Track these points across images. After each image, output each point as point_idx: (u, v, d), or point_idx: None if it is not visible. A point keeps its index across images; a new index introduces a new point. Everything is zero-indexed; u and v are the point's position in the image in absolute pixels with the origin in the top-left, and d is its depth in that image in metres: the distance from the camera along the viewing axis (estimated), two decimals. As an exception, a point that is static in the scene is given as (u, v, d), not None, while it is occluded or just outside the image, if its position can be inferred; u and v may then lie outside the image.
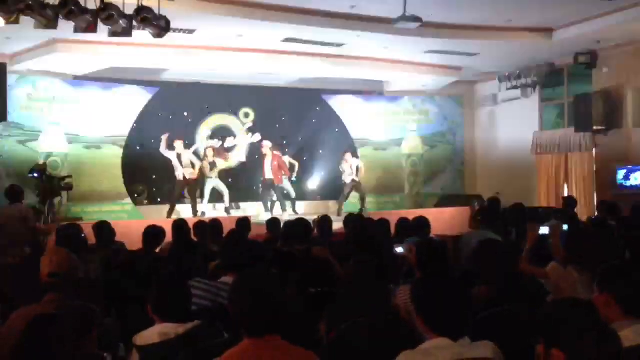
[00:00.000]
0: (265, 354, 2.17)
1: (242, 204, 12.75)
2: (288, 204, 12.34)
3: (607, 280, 2.54)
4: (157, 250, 5.79)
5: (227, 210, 11.89)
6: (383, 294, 3.35)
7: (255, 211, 12.18)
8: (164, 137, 11.67)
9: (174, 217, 10.54)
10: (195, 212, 11.49)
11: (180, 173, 11.63)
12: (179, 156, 11.65)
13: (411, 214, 7.56)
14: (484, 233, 5.66)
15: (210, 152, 12.26)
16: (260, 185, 12.58)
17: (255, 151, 13.26)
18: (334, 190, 13.44)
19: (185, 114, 13.01)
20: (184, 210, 11.87)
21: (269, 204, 12.29)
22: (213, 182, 12.02)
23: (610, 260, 3.00)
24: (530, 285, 3.74)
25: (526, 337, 2.35)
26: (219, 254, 4.41)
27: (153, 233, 5.49)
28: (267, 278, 2.30)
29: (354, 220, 7.15)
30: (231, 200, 12.33)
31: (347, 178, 12.64)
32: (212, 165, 12.08)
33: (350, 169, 12.62)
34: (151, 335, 2.82)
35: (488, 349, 2.34)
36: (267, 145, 12.38)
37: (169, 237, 5.99)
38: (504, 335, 2.56)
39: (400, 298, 3.52)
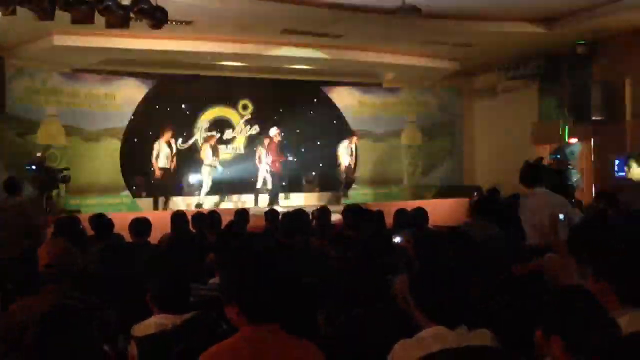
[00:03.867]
0: (264, 342, 2.16)
1: (236, 197, 12.76)
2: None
3: (603, 268, 2.55)
4: (154, 241, 5.80)
5: (198, 205, 11.88)
6: (381, 284, 3.36)
7: (250, 203, 12.22)
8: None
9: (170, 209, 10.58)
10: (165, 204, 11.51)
11: (159, 164, 11.57)
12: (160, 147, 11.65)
13: (410, 205, 7.57)
14: (482, 225, 5.67)
15: (212, 140, 12.27)
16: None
17: (253, 143, 13.29)
18: (332, 181, 13.46)
19: (183, 106, 13.00)
20: (178, 202, 11.94)
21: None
22: (206, 171, 12.03)
23: (608, 250, 3.00)
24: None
25: (524, 325, 2.35)
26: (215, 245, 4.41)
27: (140, 224, 5.48)
28: (270, 265, 2.30)
29: (354, 211, 7.16)
30: (228, 192, 12.38)
31: (345, 161, 12.76)
32: (214, 151, 12.10)
33: (350, 149, 12.77)
34: (148, 326, 2.83)
35: (485, 337, 2.34)
36: (271, 132, 12.46)
37: (158, 228, 5.97)
38: (501, 323, 2.57)
39: (398, 288, 3.52)
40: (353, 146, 13.11)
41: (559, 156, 6.67)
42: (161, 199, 11.79)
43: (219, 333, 2.57)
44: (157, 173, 11.62)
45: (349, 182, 12.97)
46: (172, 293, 2.93)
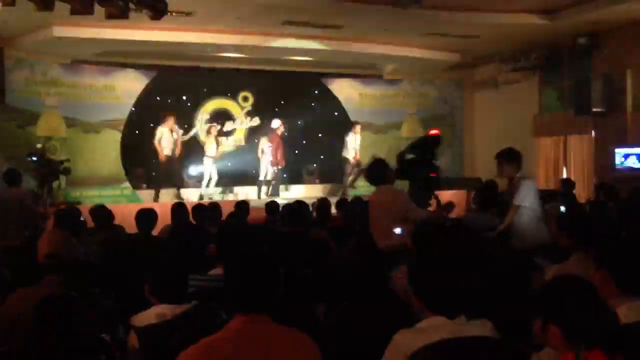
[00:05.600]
0: (250, 335, 2.12)
1: (236, 188, 12.76)
2: (264, 188, 12.47)
3: (603, 257, 2.55)
4: (155, 232, 5.80)
5: (201, 196, 11.89)
6: (381, 275, 3.36)
7: (248, 195, 12.22)
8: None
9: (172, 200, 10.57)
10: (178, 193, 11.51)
11: (164, 152, 11.60)
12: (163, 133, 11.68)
13: (410, 197, 7.56)
14: (481, 217, 5.69)
15: (214, 130, 12.27)
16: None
17: (253, 135, 13.29)
18: (333, 173, 13.45)
19: (184, 97, 12.99)
20: (187, 193, 11.92)
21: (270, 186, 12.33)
22: (210, 164, 12.03)
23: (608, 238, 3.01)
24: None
25: (523, 315, 2.35)
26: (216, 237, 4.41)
27: (146, 215, 5.48)
28: (260, 255, 2.28)
29: (351, 203, 7.18)
30: (228, 184, 12.40)
31: (350, 154, 12.64)
32: (217, 142, 12.12)
33: (354, 143, 12.65)
34: (148, 316, 2.83)
35: (485, 327, 2.35)
36: (274, 124, 12.40)
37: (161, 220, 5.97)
38: (500, 313, 2.57)
39: (398, 279, 3.52)
40: (357, 137, 12.98)
41: (415, 150, 6.29)
42: (171, 191, 11.78)
43: (218, 323, 2.57)
44: (162, 157, 11.58)
45: (357, 175, 12.87)
46: (170, 284, 2.93)
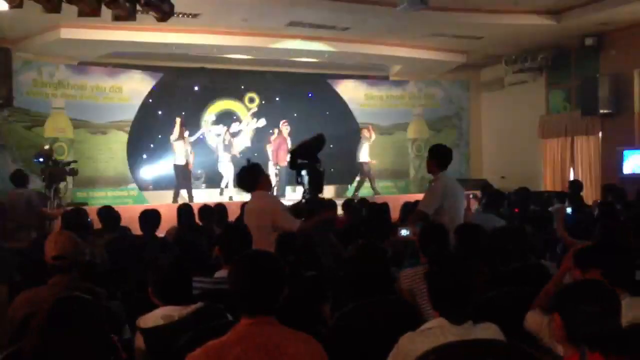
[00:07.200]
0: (257, 337, 2.11)
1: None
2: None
3: (591, 258, 2.56)
4: (161, 234, 5.81)
5: (221, 191, 11.91)
6: (386, 277, 3.36)
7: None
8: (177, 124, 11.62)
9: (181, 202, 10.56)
10: (190, 197, 11.36)
11: (180, 158, 11.50)
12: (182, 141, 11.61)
13: (416, 198, 7.54)
14: (488, 217, 5.68)
15: (227, 136, 12.30)
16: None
17: (260, 136, 13.30)
18: (339, 175, 13.42)
19: (190, 99, 13.01)
20: (200, 195, 11.90)
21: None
22: (226, 166, 12.04)
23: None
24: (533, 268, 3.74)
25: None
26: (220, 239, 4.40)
27: (149, 216, 5.48)
28: (267, 258, 2.27)
29: (356, 205, 7.18)
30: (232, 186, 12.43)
31: (365, 157, 12.54)
32: (227, 147, 12.12)
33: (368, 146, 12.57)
34: (155, 317, 2.83)
35: (491, 330, 2.34)
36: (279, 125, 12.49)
37: (166, 220, 5.97)
38: (506, 316, 2.56)
39: (404, 281, 3.51)
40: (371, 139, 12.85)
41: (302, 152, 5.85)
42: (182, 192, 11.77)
43: (225, 324, 2.57)
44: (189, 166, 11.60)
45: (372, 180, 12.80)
46: (171, 287, 2.92)
